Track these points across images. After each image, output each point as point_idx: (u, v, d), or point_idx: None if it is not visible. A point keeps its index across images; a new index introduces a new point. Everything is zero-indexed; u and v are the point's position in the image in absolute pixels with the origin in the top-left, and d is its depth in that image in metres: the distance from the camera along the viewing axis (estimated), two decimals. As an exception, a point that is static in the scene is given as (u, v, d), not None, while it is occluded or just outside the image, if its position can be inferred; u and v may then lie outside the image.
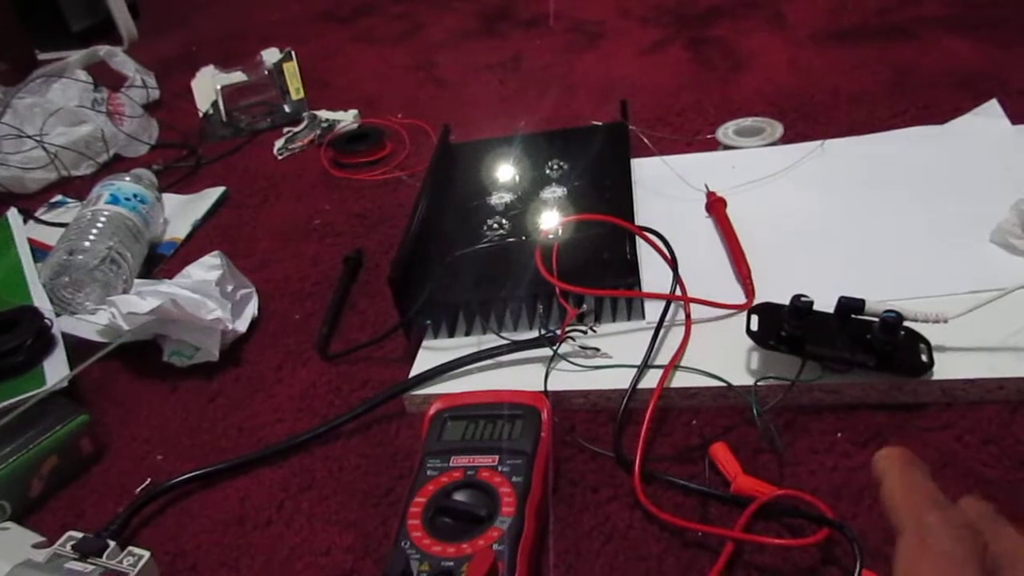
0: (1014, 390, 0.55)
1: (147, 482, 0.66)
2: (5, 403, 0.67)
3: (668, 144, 0.93)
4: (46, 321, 0.75)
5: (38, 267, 0.85)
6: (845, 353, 0.56)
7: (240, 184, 1.07)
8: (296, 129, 1.15)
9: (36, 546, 0.59)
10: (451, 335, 0.70)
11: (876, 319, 0.55)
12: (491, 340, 0.67)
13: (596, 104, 1.11)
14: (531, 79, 1.24)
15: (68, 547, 0.57)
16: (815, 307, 0.57)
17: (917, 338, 0.56)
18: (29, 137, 1.12)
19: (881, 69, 1.05)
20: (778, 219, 0.75)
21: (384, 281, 0.81)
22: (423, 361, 0.68)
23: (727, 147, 0.89)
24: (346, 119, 1.15)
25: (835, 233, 0.73)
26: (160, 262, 0.93)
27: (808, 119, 0.96)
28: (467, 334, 0.70)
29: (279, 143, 1.14)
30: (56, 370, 0.72)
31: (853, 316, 0.57)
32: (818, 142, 0.85)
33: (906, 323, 0.55)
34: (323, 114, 1.17)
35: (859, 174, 0.80)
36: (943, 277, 0.64)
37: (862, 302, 0.56)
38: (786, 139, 0.89)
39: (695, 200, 0.79)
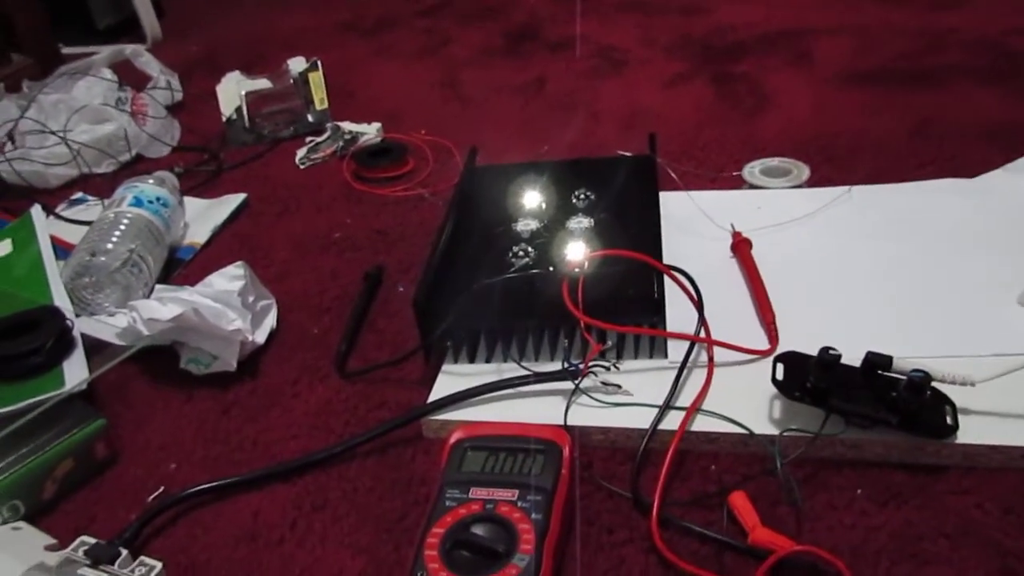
0: (1037, 458, 0.55)
1: (160, 490, 0.66)
2: (24, 403, 0.67)
3: (692, 179, 0.93)
4: (67, 322, 0.75)
5: (59, 265, 0.85)
6: (869, 409, 0.56)
7: (260, 192, 1.07)
8: (319, 139, 1.15)
9: (48, 548, 0.59)
10: (471, 361, 0.70)
11: (903, 377, 0.55)
12: (511, 368, 0.68)
13: (619, 133, 1.12)
14: (555, 103, 1.25)
15: (80, 552, 0.57)
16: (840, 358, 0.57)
17: (942, 399, 0.57)
18: (53, 133, 1.12)
19: (906, 115, 1.06)
20: (803, 264, 0.76)
21: (404, 300, 0.82)
22: (442, 386, 0.68)
23: (752, 186, 0.90)
24: (369, 132, 1.15)
25: (860, 283, 0.73)
26: (179, 266, 0.93)
27: (833, 162, 0.96)
28: (488, 361, 0.70)
29: (301, 152, 1.14)
30: (75, 372, 0.72)
31: (879, 372, 0.57)
32: (846, 188, 0.85)
33: (933, 383, 0.55)
34: (346, 126, 1.17)
35: (887, 224, 0.80)
36: (969, 337, 0.64)
37: (890, 359, 0.56)
38: (811, 182, 0.90)
39: (719, 239, 0.80)
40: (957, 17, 1.34)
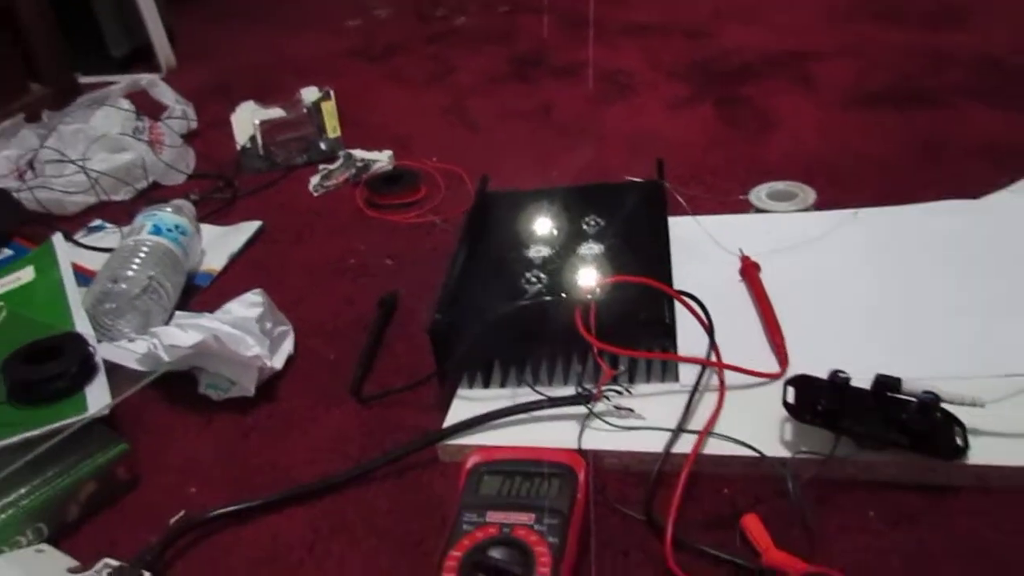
0: (1049, 479, 0.56)
1: (181, 514, 0.67)
2: (49, 427, 0.69)
3: (700, 203, 0.94)
4: (90, 348, 0.76)
5: (80, 292, 0.87)
6: (880, 431, 0.57)
7: (275, 219, 1.09)
8: (331, 167, 1.17)
9: (71, 570, 0.60)
10: (486, 386, 0.71)
11: (913, 399, 0.56)
12: (525, 393, 0.69)
13: (626, 157, 1.13)
14: (562, 128, 1.26)
15: (104, 574, 0.58)
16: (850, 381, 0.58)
17: (953, 420, 0.57)
18: (72, 162, 1.14)
19: (910, 136, 1.07)
20: (811, 287, 0.77)
21: (418, 325, 0.83)
22: (458, 410, 0.69)
23: (759, 210, 0.91)
24: (381, 159, 1.17)
25: (869, 304, 0.74)
26: (197, 292, 0.95)
27: (838, 184, 0.98)
28: (502, 385, 0.71)
29: (315, 180, 1.16)
30: (98, 397, 0.73)
31: (889, 394, 0.58)
32: (851, 210, 0.87)
33: (942, 404, 0.56)
34: (358, 153, 1.19)
35: (893, 245, 0.81)
36: (978, 357, 0.65)
37: (899, 381, 0.57)
38: (817, 204, 0.91)
39: (728, 263, 0.81)
40: (958, 37, 1.36)
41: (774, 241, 0.83)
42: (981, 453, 0.56)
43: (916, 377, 0.58)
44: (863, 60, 1.34)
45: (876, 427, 0.57)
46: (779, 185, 0.94)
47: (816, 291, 0.76)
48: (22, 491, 0.64)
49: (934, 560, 0.53)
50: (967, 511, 0.56)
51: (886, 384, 0.57)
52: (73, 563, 0.61)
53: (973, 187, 0.90)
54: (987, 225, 0.82)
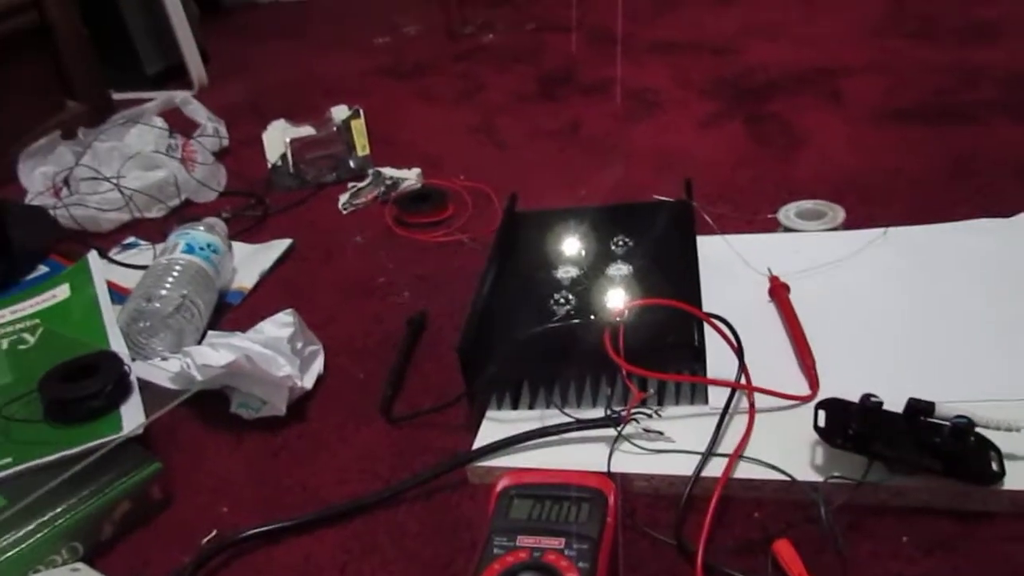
0: (1086, 505, 0.55)
1: (213, 534, 0.67)
2: (84, 447, 0.70)
3: (728, 221, 0.94)
4: (125, 367, 0.78)
5: (115, 309, 0.88)
6: (912, 456, 0.56)
7: (305, 236, 1.10)
8: (361, 184, 1.19)
9: (105, 590, 0.61)
10: (515, 407, 0.72)
11: (946, 423, 0.56)
12: (554, 414, 0.69)
13: (654, 176, 1.13)
14: (590, 146, 1.27)
15: (138, 595, 0.59)
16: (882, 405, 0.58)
17: (987, 445, 0.57)
18: (107, 179, 1.16)
19: (941, 153, 1.06)
20: (841, 308, 0.76)
21: (447, 346, 0.84)
22: (487, 432, 0.69)
23: (788, 229, 0.91)
24: (410, 178, 1.18)
25: (900, 325, 0.73)
26: (228, 310, 0.96)
27: (868, 202, 0.97)
28: (531, 407, 0.71)
29: (344, 198, 1.17)
30: (132, 416, 0.74)
31: (922, 418, 0.57)
32: (881, 229, 0.86)
33: (977, 429, 0.55)
34: (387, 171, 1.20)
35: (924, 264, 0.81)
36: (1013, 380, 0.64)
37: (932, 405, 0.57)
38: (847, 223, 0.91)
39: (757, 283, 0.81)
40: (989, 53, 1.35)
41: (803, 261, 0.82)
42: (1017, 478, 0.56)
43: (949, 400, 0.57)
44: (893, 76, 1.33)
45: (909, 452, 0.56)
46: (808, 204, 0.93)
47: (846, 312, 0.76)
48: (58, 510, 0.65)
49: (970, 588, 0.53)
50: (1003, 537, 0.55)
51: (919, 408, 0.57)
52: (107, 582, 0.62)
53: (1005, 205, 0.89)
54: (1020, 244, 0.81)
